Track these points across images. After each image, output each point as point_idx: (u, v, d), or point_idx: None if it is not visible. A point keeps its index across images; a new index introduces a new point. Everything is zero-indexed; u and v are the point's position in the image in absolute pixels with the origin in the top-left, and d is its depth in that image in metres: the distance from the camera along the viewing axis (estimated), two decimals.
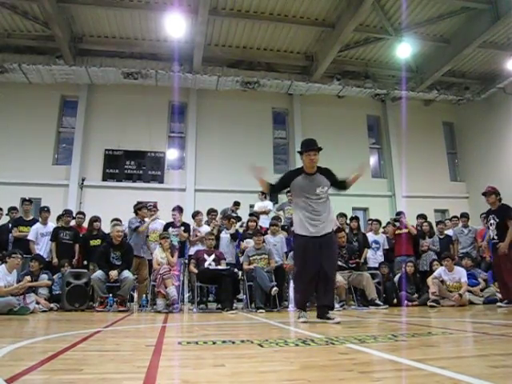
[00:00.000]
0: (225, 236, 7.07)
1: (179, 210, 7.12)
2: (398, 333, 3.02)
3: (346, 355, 2.01)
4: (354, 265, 6.72)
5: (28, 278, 5.46)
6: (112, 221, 7.23)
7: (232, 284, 6.06)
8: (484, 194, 6.09)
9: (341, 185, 4.06)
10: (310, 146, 3.94)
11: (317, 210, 3.90)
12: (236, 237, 7.12)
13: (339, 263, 6.65)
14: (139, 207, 6.95)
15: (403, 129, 12.09)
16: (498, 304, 5.80)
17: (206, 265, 6.23)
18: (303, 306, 4.06)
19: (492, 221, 5.95)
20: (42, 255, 6.45)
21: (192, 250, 6.91)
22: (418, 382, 1.46)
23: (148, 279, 6.52)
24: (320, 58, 11.02)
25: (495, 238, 5.89)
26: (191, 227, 7.26)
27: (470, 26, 9.87)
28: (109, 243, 6.36)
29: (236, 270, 6.54)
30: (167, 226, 6.97)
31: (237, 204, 8.76)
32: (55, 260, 6.56)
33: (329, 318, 3.85)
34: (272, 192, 4.25)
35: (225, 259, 6.48)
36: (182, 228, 6.99)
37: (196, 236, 7.08)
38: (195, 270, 6.24)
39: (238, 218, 8.16)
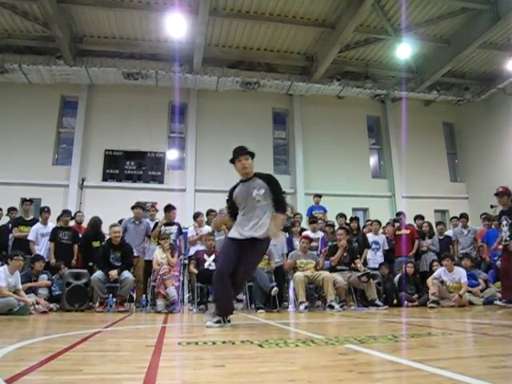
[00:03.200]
0: (219, 238, 7.03)
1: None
2: (398, 333, 3.02)
3: (345, 356, 2.01)
4: (365, 280, 6.47)
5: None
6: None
7: None
8: (496, 194, 5.97)
9: (276, 201, 3.67)
10: (238, 152, 3.78)
11: (250, 215, 3.61)
12: None
13: (338, 266, 6.64)
14: (132, 206, 7.10)
15: (403, 129, 12.09)
16: (496, 302, 5.74)
17: (206, 265, 6.22)
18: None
19: (505, 221, 5.80)
20: (42, 255, 6.46)
21: (192, 251, 6.91)
22: (418, 383, 1.46)
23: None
24: (320, 59, 11.03)
25: (508, 239, 5.72)
26: (192, 228, 7.27)
27: (470, 27, 9.88)
28: (108, 244, 6.36)
29: None
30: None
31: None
32: (53, 260, 6.57)
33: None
34: (234, 216, 3.89)
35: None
36: (176, 227, 6.96)
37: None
38: (195, 271, 6.24)
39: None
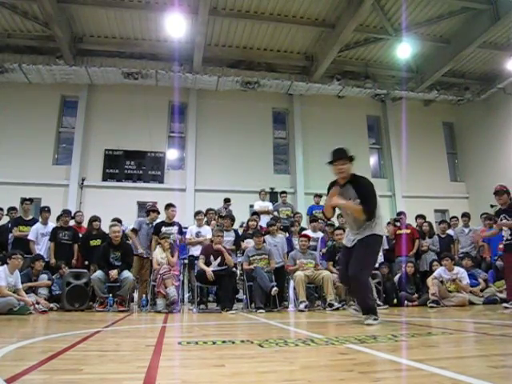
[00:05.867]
0: (225, 239, 6.98)
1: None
2: (398, 333, 3.02)
3: (346, 355, 2.01)
4: None
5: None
6: (112, 221, 7.22)
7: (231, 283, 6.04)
8: (495, 193, 5.92)
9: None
10: (335, 156, 3.74)
11: (350, 223, 3.84)
12: (239, 243, 7.06)
13: (337, 266, 6.61)
14: (151, 209, 7.03)
15: (403, 129, 12.09)
16: (504, 305, 5.68)
17: (211, 268, 6.12)
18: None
19: (504, 220, 5.78)
20: (42, 255, 6.46)
21: (191, 251, 6.89)
22: (418, 383, 1.46)
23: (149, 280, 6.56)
24: (320, 58, 11.02)
25: (509, 238, 5.68)
26: (192, 227, 7.25)
27: (470, 27, 9.88)
28: (108, 243, 6.35)
29: (234, 269, 6.49)
30: (160, 225, 6.87)
31: (227, 201, 8.74)
32: (53, 260, 6.57)
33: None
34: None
35: (230, 253, 6.42)
36: (177, 227, 6.93)
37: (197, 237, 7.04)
38: (204, 267, 6.09)
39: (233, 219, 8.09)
